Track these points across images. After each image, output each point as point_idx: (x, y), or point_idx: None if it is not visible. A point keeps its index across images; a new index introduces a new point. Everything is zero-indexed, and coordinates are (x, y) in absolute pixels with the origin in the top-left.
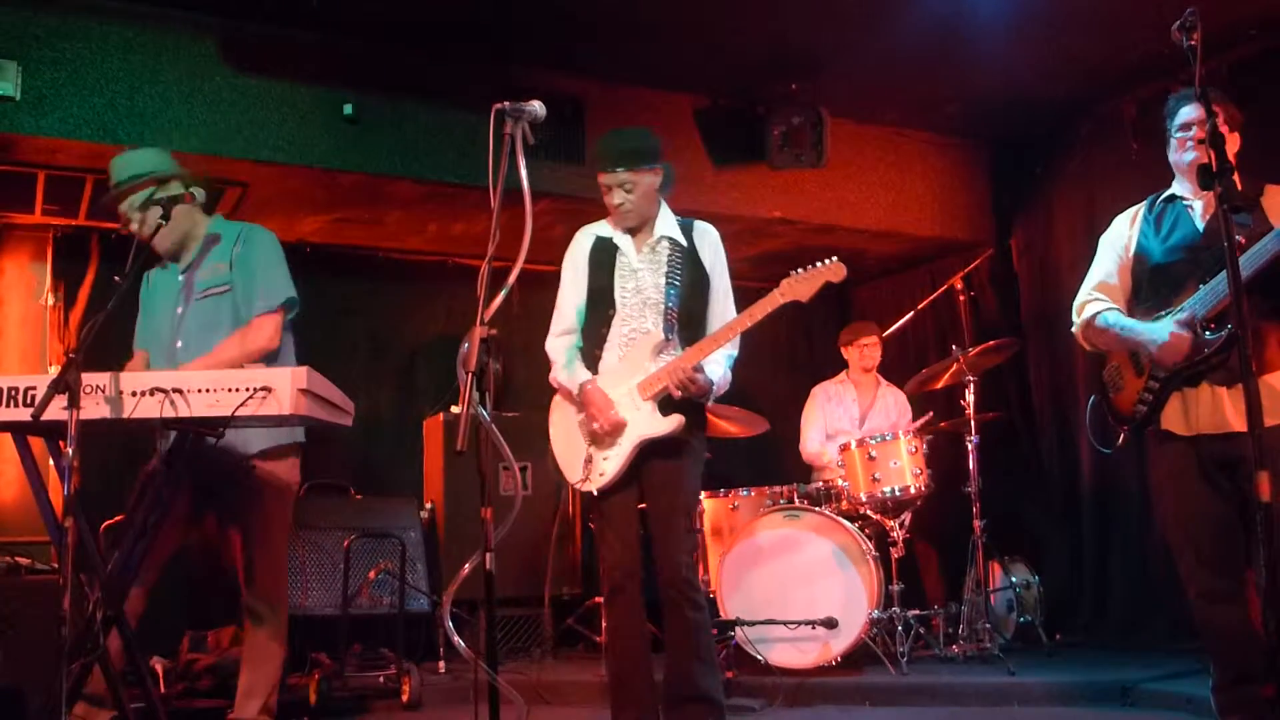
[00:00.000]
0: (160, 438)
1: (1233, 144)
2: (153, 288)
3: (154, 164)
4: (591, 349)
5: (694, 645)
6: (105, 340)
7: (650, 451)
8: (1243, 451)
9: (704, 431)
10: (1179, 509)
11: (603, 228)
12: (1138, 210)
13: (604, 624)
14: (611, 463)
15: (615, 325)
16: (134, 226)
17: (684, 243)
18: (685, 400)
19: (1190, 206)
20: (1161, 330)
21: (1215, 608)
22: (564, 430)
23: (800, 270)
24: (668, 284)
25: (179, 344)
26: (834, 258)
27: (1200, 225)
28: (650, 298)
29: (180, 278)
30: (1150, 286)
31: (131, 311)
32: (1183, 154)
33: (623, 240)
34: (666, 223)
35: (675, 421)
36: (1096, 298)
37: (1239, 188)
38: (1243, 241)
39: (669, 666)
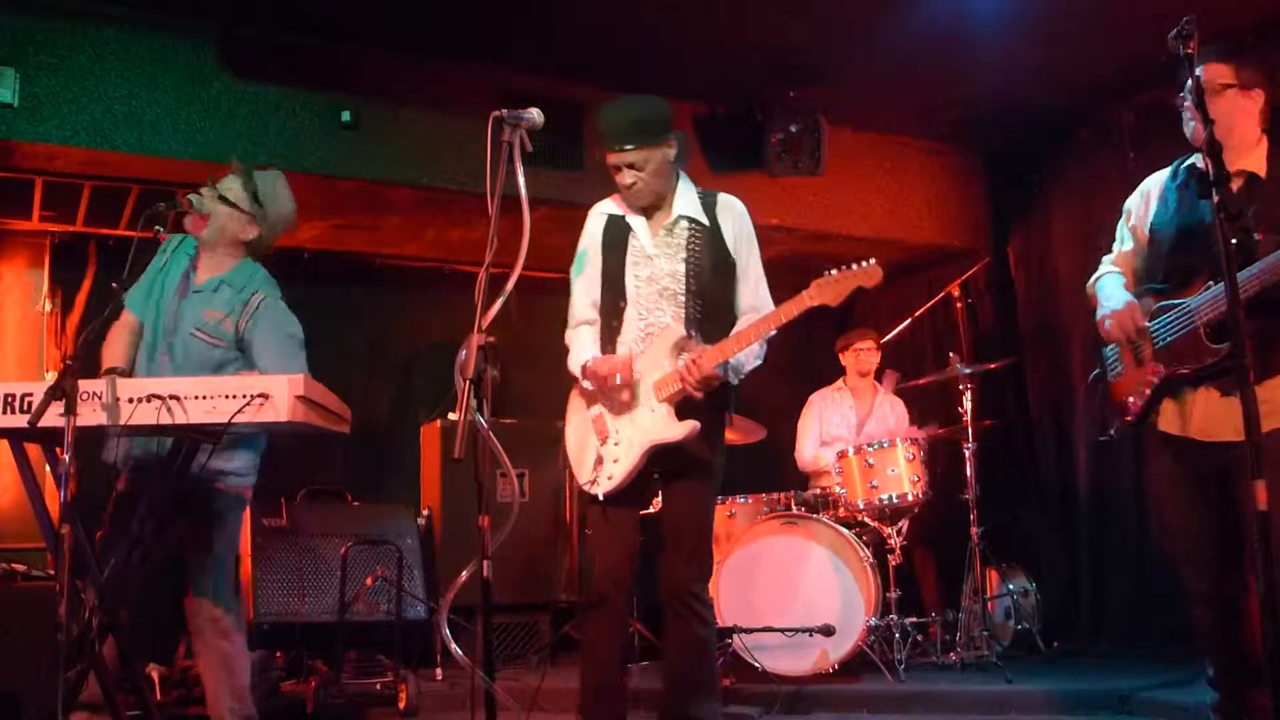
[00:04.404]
0: (110, 449)
1: (1253, 104)
2: (168, 268)
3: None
4: (602, 345)
5: (694, 666)
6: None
7: (673, 471)
8: (1235, 460)
9: (722, 442)
10: (1176, 520)
11: (612, 205)
12: (1159, 180)
13: (582, 632)
14: (620, 465)
15: (629, 319)
16: (194, 201)
17: (705, 221)
18: (705, 404)
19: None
20: (1117, 300)
21: (1212, 618)
22: (576, 428)
23: (833, 271)
24: (687, 272)
25: (164, 359)
26: (871, 260)
27: (1206, 208)
28: (667, 288)
29: (190, 293)
30: (1164, 270)
31: None
32: (1185, 124)
33: (636, 221)
34: (686, 200)
35: (688, 428)
36: (1108, 268)
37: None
38: (1260, 238)
39: (666, 684)
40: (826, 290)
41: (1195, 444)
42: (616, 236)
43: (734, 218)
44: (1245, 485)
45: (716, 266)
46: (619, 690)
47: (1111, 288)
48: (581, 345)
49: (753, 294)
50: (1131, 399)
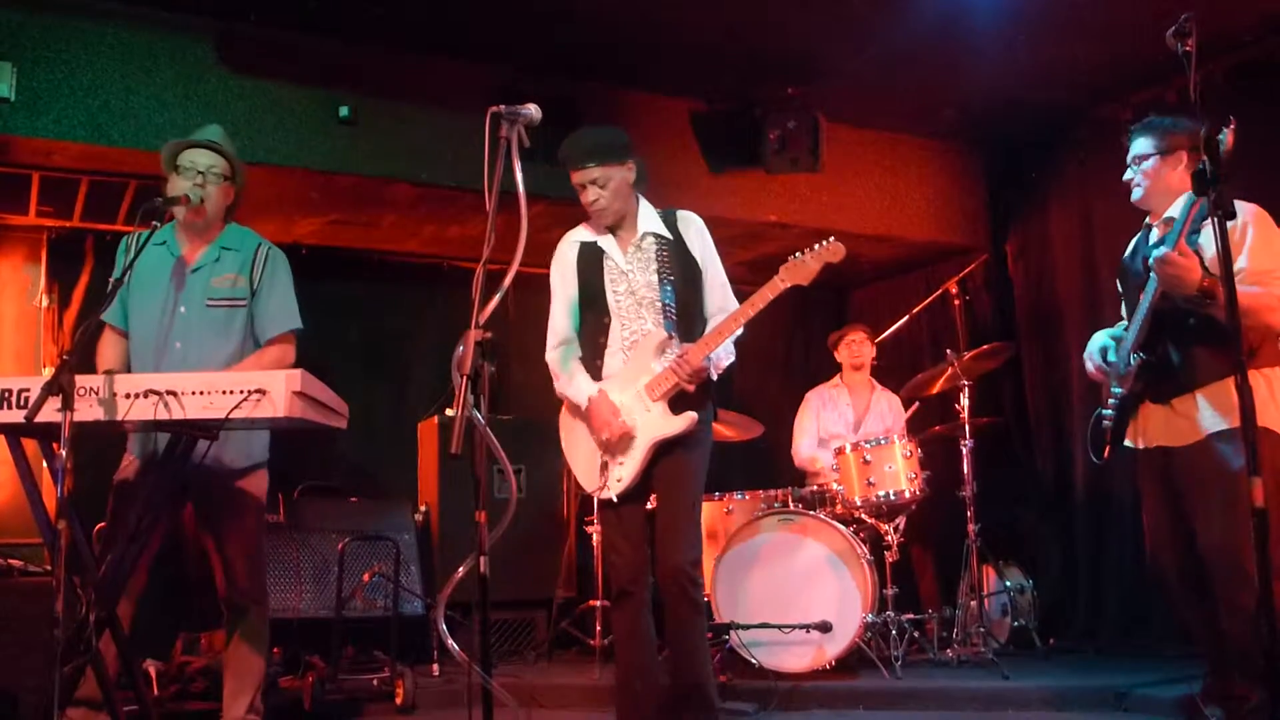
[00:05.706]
0: (132, 439)
1: (1177, 162)
2: (142, 268)
3: (236, 154)
4: (592, 359)
5: (692, 644)
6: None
7: (661, 448)
8: (1174, 464)
9: (711, 424)
10: (1147, 523)
11: (584, 233)
12: (1137, 235)
13: (611, 627)
14: (627, 468)
15: (613, 331)
16: (175, 181)
17: (669, 235)
18: (694, 394)
19: (1151, 231)
20: (1093, 345)
21: (1189, 613)
22: (575, 439)
23: (799, 254)
24: (660, 280)
25: (178, 345)
26: (831, 238)
27: (1147, 248)
28: (645, 297)
29: (188, 275)
30: (1127, 309)
31: None
32: (1133, 190)
33: (607, 243)
34: (648, 218)
35: (688, 420)
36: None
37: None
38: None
39: (671, 664)
40: (796, 271)
41: (1143, 452)
42: (591, 260)
43: (695, 230)
44: (1183, 487)
45: (686, 274)
46: (652, 685)
47: (1098, 334)
48: (572, 373)
49: (720, 299)
50: (1104, 421)
